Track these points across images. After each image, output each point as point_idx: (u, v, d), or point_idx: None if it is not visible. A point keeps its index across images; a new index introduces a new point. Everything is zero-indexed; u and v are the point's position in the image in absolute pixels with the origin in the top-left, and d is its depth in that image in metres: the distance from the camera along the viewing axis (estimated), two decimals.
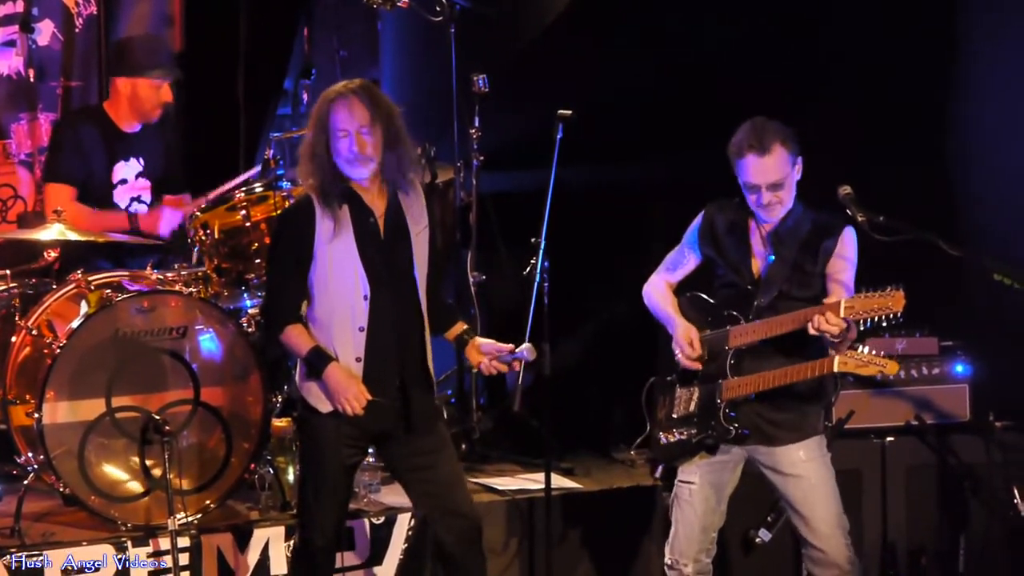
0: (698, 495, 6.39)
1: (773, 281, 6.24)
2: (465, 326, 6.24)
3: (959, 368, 7.76)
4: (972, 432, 7.69)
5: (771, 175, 6.16)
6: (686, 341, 6.34)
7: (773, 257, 6.25)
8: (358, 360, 5.98)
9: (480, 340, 6.18)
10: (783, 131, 6.18)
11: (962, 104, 8.34)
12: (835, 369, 6.04)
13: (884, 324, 5.93)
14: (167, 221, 7.62)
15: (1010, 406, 7.76)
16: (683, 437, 6.38)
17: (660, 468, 6.65)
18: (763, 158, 6.14)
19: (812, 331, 6.00)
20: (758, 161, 6.15)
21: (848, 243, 6.24)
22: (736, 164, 6.22)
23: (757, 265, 6.31)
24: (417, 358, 6.07)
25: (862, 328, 6.02)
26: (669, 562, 6.48)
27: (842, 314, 5.94)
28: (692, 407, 6.37)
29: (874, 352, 6.04)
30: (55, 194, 7.51)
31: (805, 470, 6.27)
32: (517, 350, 6.10)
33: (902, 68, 8.27)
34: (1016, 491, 7.49)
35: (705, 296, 6.41)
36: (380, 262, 5.98)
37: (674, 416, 6.44)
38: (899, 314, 5.89)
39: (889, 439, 7.63)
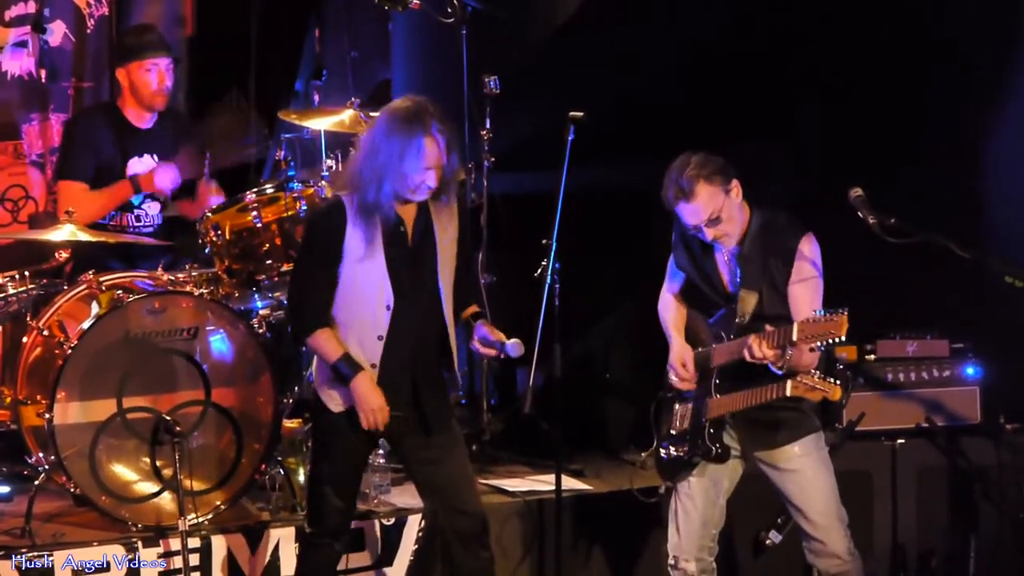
0: (697, 487, 6.44)
1: (747, 301, 6.28)
2: (475, 310, 6.21)
3: (970, 370, 7.76)
4: (983, 434, 7.69)
5: (703, 214, 6.21)
6: (679, 363, 6.44)
7: (740, 278, 6.29)
8: (373, 366, 6.01)
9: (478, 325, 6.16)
10: (704, 167, 6.21)
11: (994, 105, 8.31)
12: (788, 393, 6.09)
13: (832, 344, 5.94)
14: (162, 175, 7.60)
15: (1021, 408, 7.76)
16: (679, 455, 6.48)
17: (664, 486, 6.70)
18: (690, 203, 6.20)
19: (748, 359, 6.07)
20: (687, 207, 6.21)
21: (804, 254, 6.25)
22: (673, 213, 6.29)
23: (729, 286, 6.37)
24: (432, 365, 6.10)
25: (812, 350, 6.05)
26: (672, 561, 6.52)
27: (795, 337, 5.95)
28: (686, 424, 6.46)
29: (823, 377, 6.07)
30: (67, 191, 7.53)
31: (801, 464, 6.33)
32: (507, 344, 6.08)
33: (931, 66, 8.23)
34: None
35: (708, 319, 6.48)
36: (406, 271, 6.00)
37: (672, 432, 6.53)
38: (842, 338, 5.89)
39: (900, 441, 7.63)
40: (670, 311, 6.58)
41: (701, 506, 6.44)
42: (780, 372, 6.08)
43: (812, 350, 6.04)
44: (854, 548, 6.39)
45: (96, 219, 7.48)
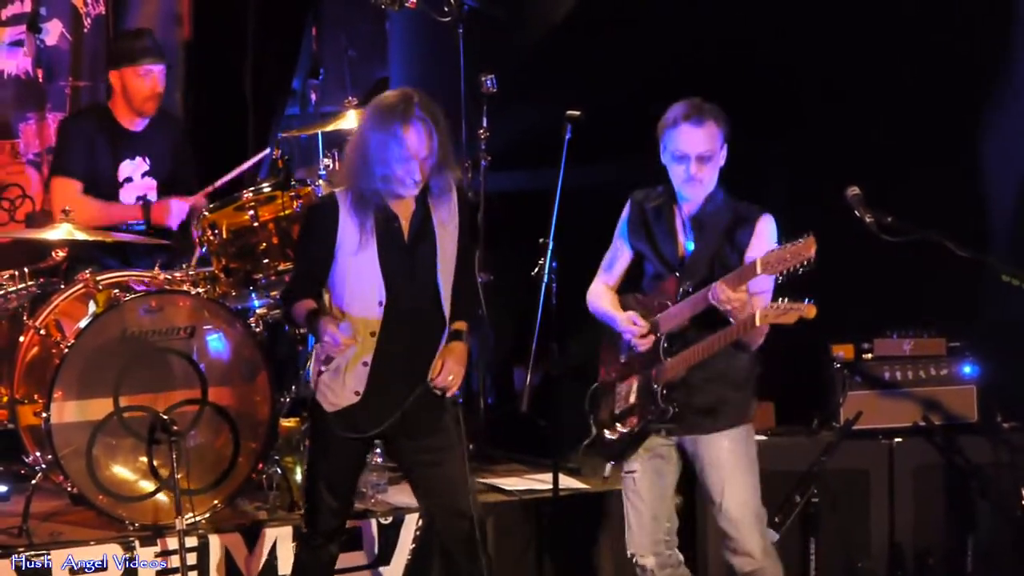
0: (643, 482, 6.41)
1: (696, 269, 6.26)
2: (460, 327, 6.09)
3: (967, 369, 7.75)
4: (980, 433, 7.68)
5: (702, 145, 6.20)
6: (630, 323, 6.35)
7: (693, 244, 6.28)
8: (365, 365, 5.96)
9: (446, 360, 6.01)
10: (720, 112, 6.24)
11: (1000, 101, 8.29)
12: (757, 323, 6.04)
13: (800, 273, 5.88)
14: (176, 213, 7.63)
15: (1018, 407, 7.75)
16: (627, 429, 6.42)
17: (609, 467, 6.64)
18: (698, 128, 6.19)
19: (715, 304, 6.05)
20: (692, 130, 6.19)
21: (763, 232, 6.25)
22: (667, 135, 6.25)
23: (681, 251, 6.34)
24: (427, 365, 6.03)
25: (780, 281, 6.00)
26: (634, 560, 6.51)
27: (759, 271, 5.96)
28: (633, 398, 6.40)
29: (792, 300, 5.99)
30: (61, 188, 7.54)
31: (727, 458, 6.30)
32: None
33: (936, 65, 8.21)
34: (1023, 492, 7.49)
35: (638, 295, 6.44)
36: (400, 269, 5.94)
37: (616, 412, 6.47)
38: (812, 260, 5.87)
39: (897, 440, 7.61)
40: (604, 298, 6.49)
41: (649, 500, 6.40)
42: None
43: (779, 278, 5.98)
44: (771, 548, 6.35)
45: (92, 225, 7.40)
